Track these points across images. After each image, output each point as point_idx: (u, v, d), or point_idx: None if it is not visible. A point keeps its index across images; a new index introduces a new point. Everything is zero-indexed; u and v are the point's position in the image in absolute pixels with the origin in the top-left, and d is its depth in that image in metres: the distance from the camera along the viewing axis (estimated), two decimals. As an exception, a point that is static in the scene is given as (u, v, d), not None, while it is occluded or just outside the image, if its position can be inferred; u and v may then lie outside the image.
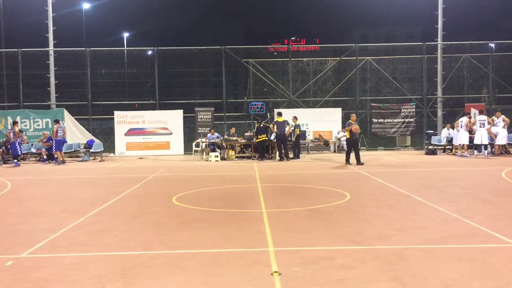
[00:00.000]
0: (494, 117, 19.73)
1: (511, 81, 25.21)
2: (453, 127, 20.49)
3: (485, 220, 7.44)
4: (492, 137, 19.12)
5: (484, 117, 19.09)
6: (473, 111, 22.45)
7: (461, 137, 19.35)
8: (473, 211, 8.14)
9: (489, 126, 18.93)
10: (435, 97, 24.71)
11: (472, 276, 4.93)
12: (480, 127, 18.80)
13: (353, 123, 16.93)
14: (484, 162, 16.90)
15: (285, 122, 18.80)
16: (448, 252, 5.79)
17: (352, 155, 16.70)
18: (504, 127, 19.09)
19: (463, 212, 8.05)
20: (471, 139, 19.31)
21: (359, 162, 16.33)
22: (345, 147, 21.98)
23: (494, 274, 4.97)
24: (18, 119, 21.80)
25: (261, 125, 19.47)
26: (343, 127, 22.94)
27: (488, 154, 18.76)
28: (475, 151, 19.11)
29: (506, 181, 12.16)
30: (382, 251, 5.86)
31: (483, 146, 18.83)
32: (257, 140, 19.22)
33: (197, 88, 28.33)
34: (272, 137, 20.37)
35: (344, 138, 22.19)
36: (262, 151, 19.29)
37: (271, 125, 19.31)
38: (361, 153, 22.13)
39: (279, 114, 19.27)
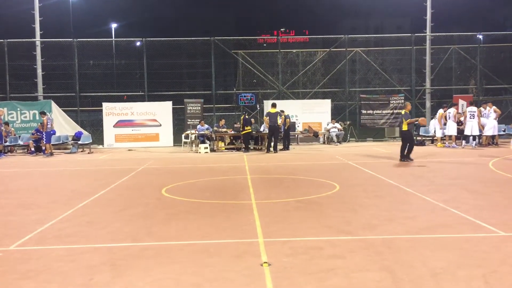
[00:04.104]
0: (481, 108, 19.87)
1: (498, 73, 25.42)
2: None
3: (472, 210, 7.52)
4: (480, 128, 19.28)
5: (474, 109, 19.21)
6: (461, 102, 22.63)
7: (449, 128, 19.51)
8: (461, 201, 8.23)
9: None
10: (423, 88, 24.86)
11: (459, 265, 4.99)
12: (471, 118, 18.96)
13: (409, 112, 14.94)
14: (471, 152, 17.06)
15: (278, 114, 18.75)
16: (435, 242, 5.86)
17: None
18: (496, 118, 19.23)
19: (450, 202, 8.13)
20: (459, 130, 19.49)
21: (408, 157, 14.51)
22: (334, 138, 22.08)
23: (481, 263, 5.04)
24: (5, 111, 21.53)
25: (247, 116, 19.44)
26: (333, 118, 23.02)
27: (475, 145, 18.94)
28: (463, 141, 19.27)
29: (493, 171, 12.30)
30: (371, 241, 5.91)
31: (471, 137, 19.00)
32: (243, 132, 19.22)
33: (186, 80, 28.18)
34: (261, 128, 20.40)
35: (334, 130, 22.29)
36: (247, 142, 19.33)
37: (265, 117, 19.25)
38: (350, 144, 22.35)
39: (273, 105, 19.11)
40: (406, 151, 14.51)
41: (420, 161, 14.52)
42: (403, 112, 15.06)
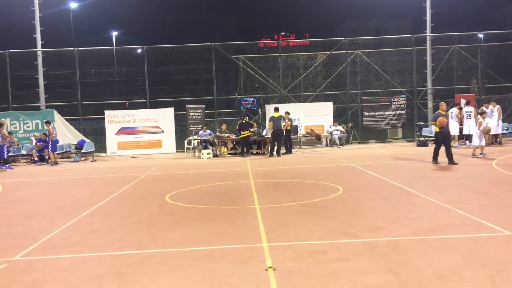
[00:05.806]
0: (483, 107, 19.82)
1: (499, 71, 25.38)
2: None
3: (477, 210, 7.50)
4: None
5: (471, 108, 19.20)
6: (463, 102, 22.59)
7: (452, 128, 19.46)
8: (465, 201, 8.21)
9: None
10: (425, 88, 24.81)
11: (465, 265, 4.97)
12: (467, 118, 18.93)
13: (444, 113, 14.26)
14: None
15: (281, 118, 18.77)
16: (440, 243, 5.84)
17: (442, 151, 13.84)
18: (498, 119, 19.15)
19: (454, 202, 8.11)
20: (461, 130, 19.45)
21: (451, 160, 13.52)
22: (337, 141, 22.06)
23: (486, 263, 5.02)
24: (7, 121, 21.60)
25: (244, 121, 19.43)
26: (335, 120, 23.00)
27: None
28: (467, 141, 19.22)
29: (497, 170, 12.26)
30: (376, 243, 5.90)
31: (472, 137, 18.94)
32: (240, 136, 19.26)
33: (187, 86, 28.23)
34: (264, 133, 20.42)
35: (337, 132, 22.26)
36: (245, 146, 19.36)
37: (268, 123, 19.28)
38: (353, 146, 22.32)
39: (276, 109, 19.15)
40: (447, 154, 13.60)
41: (424, 162, 14.49)
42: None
